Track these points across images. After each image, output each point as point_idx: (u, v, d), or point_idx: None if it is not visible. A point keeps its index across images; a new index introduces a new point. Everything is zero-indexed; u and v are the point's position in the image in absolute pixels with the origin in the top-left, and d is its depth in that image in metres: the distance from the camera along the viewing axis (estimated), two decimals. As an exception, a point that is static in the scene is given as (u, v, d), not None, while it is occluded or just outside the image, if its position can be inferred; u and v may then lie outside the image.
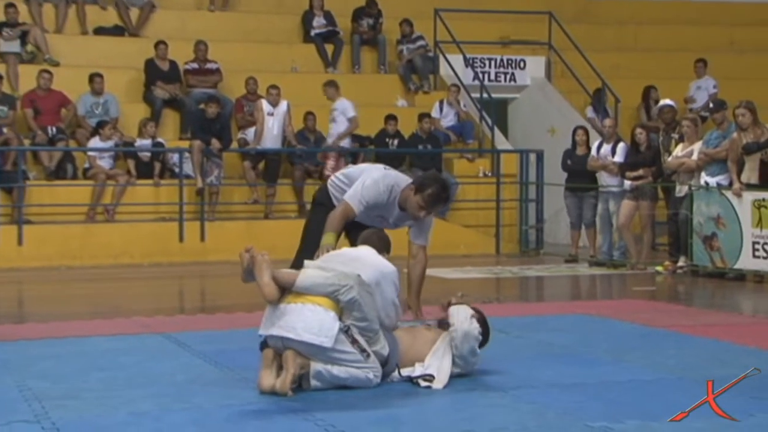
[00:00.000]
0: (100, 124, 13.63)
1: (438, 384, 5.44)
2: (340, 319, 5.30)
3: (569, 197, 13.13)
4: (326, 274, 5.35)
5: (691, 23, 18.64)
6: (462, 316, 5.63)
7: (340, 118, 14.58)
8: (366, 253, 5.71)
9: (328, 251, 5.92)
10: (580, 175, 12.88)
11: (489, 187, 14.97)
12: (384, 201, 6.19)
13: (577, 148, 13.04)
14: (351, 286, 5.29)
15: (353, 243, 6.31)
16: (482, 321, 5.82)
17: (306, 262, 5.60)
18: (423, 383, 5.45)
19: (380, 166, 6.48)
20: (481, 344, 5.80)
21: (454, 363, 5.56)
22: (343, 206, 6.14)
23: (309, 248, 6.38)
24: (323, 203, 6.48)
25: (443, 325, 5.76)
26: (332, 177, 6.58)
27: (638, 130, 12.35)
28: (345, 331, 5.29)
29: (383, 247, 5.84)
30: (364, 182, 6.20)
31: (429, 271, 11.04)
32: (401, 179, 6.25)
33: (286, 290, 5.36)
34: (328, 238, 6.04)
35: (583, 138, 13.01)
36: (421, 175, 6.44)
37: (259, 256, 5.33)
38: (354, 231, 6.31)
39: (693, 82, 16.40)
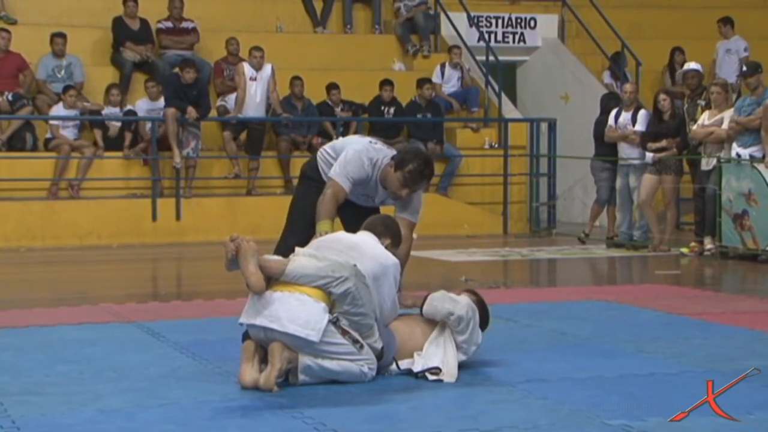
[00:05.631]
0: (64, 90, 13.60)
1: (449, 378, 5.46)
2: (331, 311, 5.31)
3: (604, 171, 12.84)
4: (319, 264, 5.34)
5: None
6: (447, 299, 5.66)
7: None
8: (366, 241, 5.67)
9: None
10: (612, 147, 12.72)
11: (496, 159, 14.98)
12: (367, 176, 6.18)
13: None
14: (346, 278, 5.27)
15: (345, 225, 6.28)
16: (480, 303, 5.85)
17: (297, 249, 5.58)
18: (431, 377, 5.47)
19: (365, 139, 6.47)
20: (482, 328, 5.82)
21: (458, 348, 5.58)
22: (331, 187, 6.12)
23: (296, 229, 6.37)
24: (312, 177, 6.47)
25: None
26: (321, 150, 6.59)
27: (661, 96, 12.34)
28: (334, 322, 5.30)
29: (389, 235, 5.78)
30: (346, 156, 6.19)
31: (429, 254, 11.11)
32: (384, 153, 6.24)
33: (273, 279, 5.37)
34: (323, 225, 6.00)
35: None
36: (401, 149, 6.41)
37: (245, 243, 5.31)
38: (347, 209, 6.30)
39: (720, 44, 16.32)
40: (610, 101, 13.10)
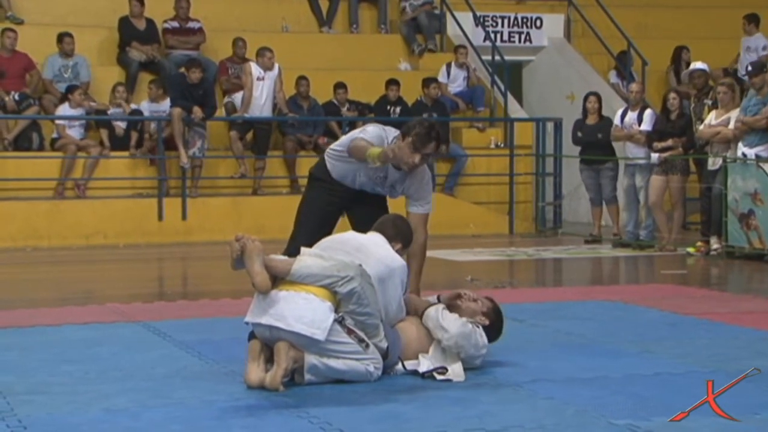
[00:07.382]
0: (70, 89, 13.62)
1: (457, 377, 5.46)
2: (336, 310, 5.31)
3: (585, 171, 13.19)
4: (324, 264, 5.35)
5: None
6: (449, 320, 5.60)
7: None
8: (374, 242, 5.67)
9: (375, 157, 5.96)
10: (594, 147, 12.95)
11: (501, 159, 14.98)
12: (383, 142, 6.24)
13: (588, 116, 13.08)
14: (351, 278, 5.27)
15: (354, 225, 6.28)
16: (495, 310, 5.84)
17: (303, 249, 5.59)
18: (439, 377, 5.47)
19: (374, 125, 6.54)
20: (494, 338, 5.82)
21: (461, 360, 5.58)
22: (353, 141, 6.17)
23: (304, 230, 6.36)
24: (320, 178, 6.47)
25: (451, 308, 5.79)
26: (328, 150, 6.59)
27: (672, 95, 12.32)
28: (340, 321, 5.30)
29: (400, 239, 5.78)
30: (365, 128, 6.30)
31: (435, 253, 11.08)
32: (395, 133, 6.29)
33: (278, 278, 5.37)
34: (374, 150, 6.01)
35: (595, 106, 13.04)
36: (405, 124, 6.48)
37: (250, 242, 5.31)
38: (357, 209, 6.30)
39: (743, 40, 16.22)
40: (585, 101, 13.17)
